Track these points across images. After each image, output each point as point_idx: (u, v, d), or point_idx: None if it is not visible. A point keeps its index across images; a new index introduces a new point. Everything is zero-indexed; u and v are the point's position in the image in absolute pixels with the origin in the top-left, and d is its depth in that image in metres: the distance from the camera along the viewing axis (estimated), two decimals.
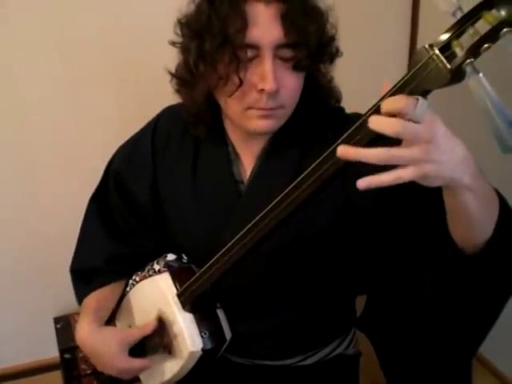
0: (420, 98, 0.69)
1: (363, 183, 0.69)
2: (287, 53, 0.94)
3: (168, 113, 1.21)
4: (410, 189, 0.76)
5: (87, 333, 1.11)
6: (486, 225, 0.81)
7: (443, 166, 0.69)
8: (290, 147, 1.06)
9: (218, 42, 0.92)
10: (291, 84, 0.98)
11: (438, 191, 0.76)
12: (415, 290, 0.98)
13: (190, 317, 1.07)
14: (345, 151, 0.70)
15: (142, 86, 1.75)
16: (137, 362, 1.09)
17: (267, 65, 0.92)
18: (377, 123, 0.68)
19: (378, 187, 0.70)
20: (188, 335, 1.06)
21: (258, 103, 0.96)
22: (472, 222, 0.79)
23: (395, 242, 0.99)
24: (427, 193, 0.77)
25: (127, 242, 1.21)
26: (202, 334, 1.06)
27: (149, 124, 1.22)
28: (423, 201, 0.87)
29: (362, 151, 0.69)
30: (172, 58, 1.05)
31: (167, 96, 1.11)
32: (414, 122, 0.67)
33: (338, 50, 1.04)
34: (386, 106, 0.69)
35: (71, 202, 1.69)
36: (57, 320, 1.88)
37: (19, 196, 1.80)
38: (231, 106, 1.00)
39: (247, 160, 1.11)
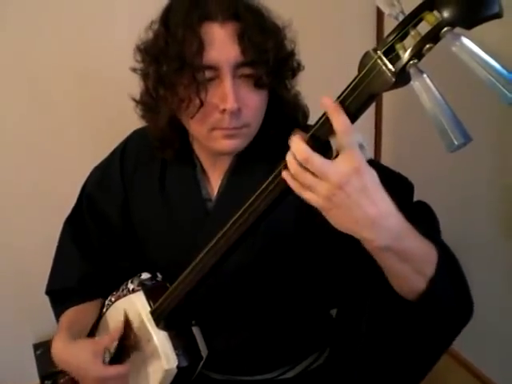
0: (362, 141, 0.71)
1: (284, 173, 0.76)
2: (246, 71, 0.94)
3: (135, 136, 1.23)
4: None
5: (61, 349, 1.10)
6: (414, 282, 0.80)
7: (345, 217, 0.71)
8: (256, 164, 1.06)
9: (176, 66, 0.92)
10: (253, 102, 0.98)
11: None
12: (355, 322, 0.99)
13: (164, 334, 1.06)
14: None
15: (110, 107, 1.75)
16: (112, 369, 1.06)
17: (227, 84, 0.92)
18: (292, 144, 0.74)
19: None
20: (162, 353, 1.05)
21: (221, 123, 0.96)
22: (398, 278, 0.80)
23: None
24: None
25: (101, 262, 1.22)
26: (177, 351, 1.05)
27: (117, 148, 1.23)
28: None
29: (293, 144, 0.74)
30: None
31: (136, 118, 1.12)
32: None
33: (299, 64, 1.04)
34: (336, 121, 0.71)
35: (46, 229, 1.68)
36: (36, 346, 1.86)
37: None
38: (195, 128, 1.00)
39: (215, 178, 1.11)
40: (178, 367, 1.04)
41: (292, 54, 1.02)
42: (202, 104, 0.94)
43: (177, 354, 1.05)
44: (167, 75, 0.94)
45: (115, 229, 1.19)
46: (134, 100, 1.07)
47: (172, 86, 0.95)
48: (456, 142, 0.65)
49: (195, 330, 1.10)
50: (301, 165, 0.72)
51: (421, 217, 0.92)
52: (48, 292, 1.24)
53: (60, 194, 1.69)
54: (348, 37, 1.95)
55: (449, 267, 0.82)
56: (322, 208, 0.72)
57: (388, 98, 1.95)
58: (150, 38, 0.99)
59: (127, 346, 1.11)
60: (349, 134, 0.70)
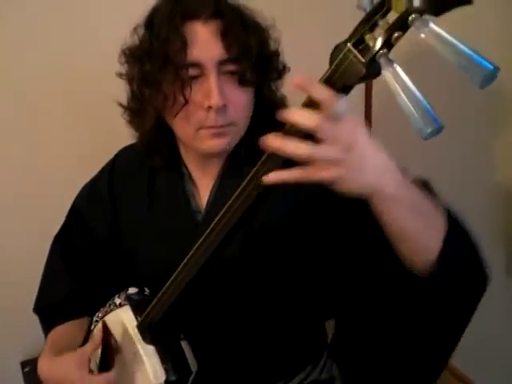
0: (342, 96, 0.69)
1: (270, 178, 0.71)
2: (231, 67, 0.95)
3: (124, 152, 1.23)
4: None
5: (46, 366, 1.09)
6: (427, 242, 0.77)
7: (360, 173, 0.69)
8: (241, 176, 1.03)
9: (159, 63, 0.93)
10: (239, 99, 0.98)
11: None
12: (375, 312, 0.97)
13: (151, 349, 1.03)
14: (271, 142, 0.70)
15: (98, 119, 1.73)
16: (100, 377, 1.03)
17: (212, 81, 0.93)
18: (296, 114, 0.68)
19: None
20: (150, 367, 1.02)
21: (207, 122, 0.96)
22: (410, 239, 0.77)
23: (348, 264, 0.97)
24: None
25: (89, 278, 1.21)
26: (165, 365, 1.02)
27: (107, 165, 1.24)
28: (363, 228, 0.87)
29: (286, 141, 0.69)
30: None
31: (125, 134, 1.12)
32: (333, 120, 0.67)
33: (284, 66, 1.05)
34: (316, 94, 0.68)
35: (32, 244, 1.64)
36: (24, 364, 1.83)
37: None
38: (182, 128, 0.99)
39: (203, 189, 1.10)
40: (166, 382, 1.02)
41: (276, 53, 1.02)
42: (186, 101, 0.94)
43: (165, 369, 1.02)
44: (151, 74, 0.95)
45: (103, 243, 1.19)
46: (121, 105, 1.07)
47: (156, 85, 0.95)
48: (429, 129, 0.64)
49: (184, 344, 1.08)
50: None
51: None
52: (36, 309, 1.23)
53: (46, 209, 1.69)
54: (336, 39, 1.95)
55: (457, 227, 0.81)
56: (339, 177, 0.68)
57: (377, 95, 1.94)
58: (134, 42, 1.00)
59: (111, 351, 1.08)
60: (336, 102, 0.68)
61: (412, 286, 0.82)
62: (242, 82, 0.96)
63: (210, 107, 0.93)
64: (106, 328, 1.08)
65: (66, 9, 1.60)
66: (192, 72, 0.94)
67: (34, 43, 1.63)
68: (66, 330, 1.18)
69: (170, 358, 1.04)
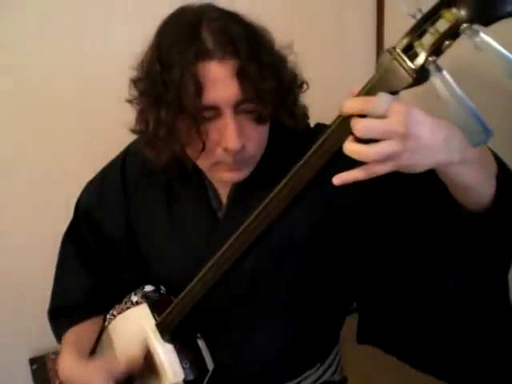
0: (380, 93, 0.69)
1: (337, 180, 0.71)
2: (248, 107, 0.92)
3: (136, 147, 1.17)
4: (395, 181, 0.76)
5: (70, 367, 1.08)
6: (487, 190, 0.80)
7: (423, 154, 0.69)
8: (265, 169, 1.03)
9: (175, 110, 0.90)
10: (257, 137, 0.96)
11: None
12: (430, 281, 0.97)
13: (170, 347, 1.03)
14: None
15: (106, 117, 1.72)
16: None
17: (229, 124, 0.90)
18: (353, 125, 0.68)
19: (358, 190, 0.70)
20: (169, 366, 1.02)
21: (224, 159, 0.94)
22: (473, 187, 0.78)
23: (396, 239, 0.97)
24: (415, 178, 0.76)
25: (105, 276, 1.19)
26: (183, 364, 1.03)
27: (116, 159, 1.20)
28: (413, 187, 0.87)
29: (354, 147, 0.69)
30: None
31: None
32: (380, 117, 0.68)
33: (302, 84, 1.02)
34: (346, 108, 0.69)
35: (41, 242, 1.66)
36: (32, 361, 1.82)
37: None
38: (199, 163, 0.99)
39: (222, 186, 1.09)
40: (184, 381, 1.02)
41: (294, 82, 1.00)
42: (203, 147, 0.92)
43: (183, 368, 1.03)
44: (167, 120, 0.91)
45: (117, 245, 1.17)
46: (133, 131, 1.03)
47: (172, 131, 0.93)
48: (482, 137, 0.64)
49: (200, 343, 1.08)
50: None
51: None
52: (51, 311, 1.21)
53: (57, 207, 1.66)
54: (347, 47, 1.97)
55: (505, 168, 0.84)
56: (403, 165, 0.69)
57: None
58: (144, 71, 0.96)
59: (136, 376, 1.09)
60: (380, 101, 0.69)
61: (471, 224, 0.83)
62: (260, 120, 0.94)
63: (227, 148, 0.92)
64: (148, 359, 1.06)
65: (76, 7, 1.59)
66: (208, 114, 0.90)
67: (44, 42, 1.61)
68: (83, 331, 1.17)
69: (188, 356, 1.04)
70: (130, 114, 1.03)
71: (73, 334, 1.15)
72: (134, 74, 1.00)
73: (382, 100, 0.68)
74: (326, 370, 1.19)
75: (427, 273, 0.96)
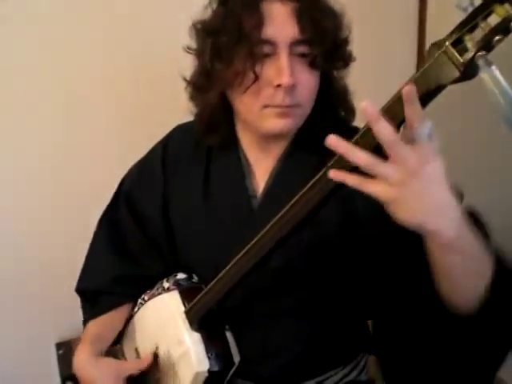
0: (427, 121, 0.69)
1: (332, 174, 0.72)
2: (303, 49, 0.95)
3: (179, 130, 1.22)
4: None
5: (84, 362, 1.10)
6: (473, 287, 0.78)
7: (417, 205, 0.69)
8: (303, 159, 1.04)
9: (235, 38, 0.93)
10: (307, 81, 0.98)
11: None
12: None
13: (197, 336, 1.03)
14: (335, 143, 0.71)
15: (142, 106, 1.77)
16: None
17: (283, 60, 0.93)
18: (376, 121, 0.68)
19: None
20: (194, 354, 1.02)
21: (274, 100, 0.96)
22: (457, 281, 0.78)
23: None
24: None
25: (136, 262, 1.19)
26: (209, 354, 1.02)
27: (159, 142, 1.22)
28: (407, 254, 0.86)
29: (351, 148, 0.70)
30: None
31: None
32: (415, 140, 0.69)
33: (351, 54, 1.05)
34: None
35: (70, 230, 1.70)
36: (59, 346, 1.84)
37: (19, 222, 1.77)
38: (247, 105, 0.99)
39: (260, 173, 1.09)
40: (209, 371, 1.01)
41: (347, 40, 1.02)
42: (257, 77, 0.94)
43: (209, 358, 1.02)
44: (224, 47, 0.95)
45: (153, 226, 1.17)
46: (185, 80, 1.07)
47: (228, 59, 0.95)
48: None
49: (228, 335, 1.07)
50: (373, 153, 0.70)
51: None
52: (79, 290, 1.23)
53: (84, 197, 1.70)
54: (388, 37, 1.97)
55: (504, 270, 0.80)
56: (394, 199, 0.69)
57: None
58: (207, 17, 1.00)
59: (147, 379, 1.11)
60: (422, 123, 0.69)
61: (449, 323, 0.82)
62: (313, 64, 0.96)
63: (279, 85, 0.94)
64: (156, 359, 1.09)
65: None
66: (265, 49, 0.94)
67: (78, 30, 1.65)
68: (107, 326, 1.18)
69: (214, 347, 1.04)
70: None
71: (93, 330, 1.16)
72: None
73: (426, 125, 0.68)
74: (351, 370, 1.17)
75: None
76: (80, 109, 1.72)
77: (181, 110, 1.10)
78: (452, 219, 0.71)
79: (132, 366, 1.13)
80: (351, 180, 0.71)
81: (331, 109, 1.05)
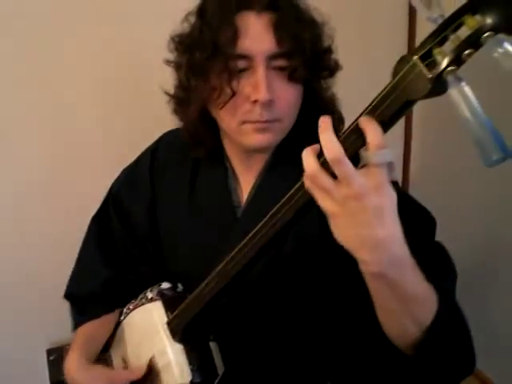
0: (387, 150, 0.67)
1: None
2: (281, 62, 0.92)
3: (167, 137, 1.21)
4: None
5: (76, 369, 1.08)
6: (411, 327, 0.76)
7: (351, 230, 0.68)
8: (287, 170, 0.99)
9: (208, 53, 0.91)
10: (287, 95, 0.95)
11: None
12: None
13: (179, 347, 1.02)
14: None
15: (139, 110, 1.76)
16: None
17: (260, 75, 0.90)
18: (325, 136, 0.68)
19: None
20: (176, 366, 1.01)
21: (252, 116, 0.93)
22: (392, 317, 0.76)
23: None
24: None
25: (123, 267, 1.19)
26: (191, 366, 1.01)
27: (148, 148, 1.21)
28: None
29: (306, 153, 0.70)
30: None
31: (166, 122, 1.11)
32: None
33: (336, 63, 1.01)
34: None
35: (60, 233, 1.70)
36: (50, 352, 1.84)
37: (6, 234, 1.78)
38: (226, 121, 0.97)
39: (245, 184, 1.08)
40: (191, 382, 1.00)
41: (329, 49, 0.99)
42: (233, 93, 0.91)
43: (191, 369, 1.01)
44: (199, 63, 0.93)
45: (140, 229, 1.17)
46: (167, 93, 1.06)
47: (203, 74, 0.93)
48: (494, 157, 0.60)
49: (213, 346, 1.06)
50: (322, 165, 0.68)
51: (434, 261, 0.87)
52: (67, 296, 1.22)
53: (73, 197, 1.70)
54: (378, 41, 1.95)
55: (449, 319, 0.78)
56: (332, 213, 0.69)
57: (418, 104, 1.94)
58: (185, 30, 0.98)
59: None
60: (381, 148, 0.66)
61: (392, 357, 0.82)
62: (292, 77, 0.93)
63: (256, 101, 0.91)
64: (151, 368, 1.06)
65: None
66: (241, 64, 0.91)
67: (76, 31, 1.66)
68: (96, 330, 1.16)
69: (197, 358, 1.02)
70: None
71: (82, 334, 1.14)
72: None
73: (384, 153, 0.66)
74: None
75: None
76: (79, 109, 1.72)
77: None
78: (387, 255, 0.69)
79: (124, 376, 1.09)
80: (305, 178, 0.71)
81: (318, 119, 1.01)
